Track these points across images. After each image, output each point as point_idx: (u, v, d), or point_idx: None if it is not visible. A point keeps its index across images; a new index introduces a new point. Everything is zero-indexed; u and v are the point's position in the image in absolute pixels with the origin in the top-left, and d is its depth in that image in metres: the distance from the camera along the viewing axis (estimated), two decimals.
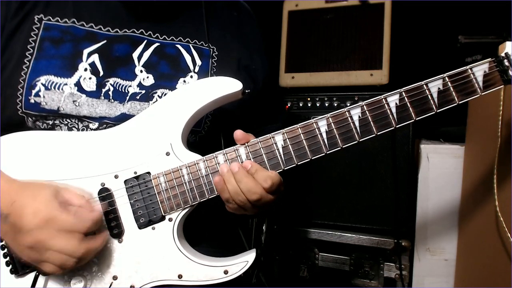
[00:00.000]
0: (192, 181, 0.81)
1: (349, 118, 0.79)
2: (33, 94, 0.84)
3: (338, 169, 1.54)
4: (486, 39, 1.49)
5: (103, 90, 0.88)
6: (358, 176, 1.51)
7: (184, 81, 0.94)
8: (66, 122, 0.87)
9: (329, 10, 1.65)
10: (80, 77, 0.87)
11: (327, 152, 0.80)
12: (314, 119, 0.80)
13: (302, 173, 1.53)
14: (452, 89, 0.78)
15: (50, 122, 0.87)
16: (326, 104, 1.60)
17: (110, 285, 0.79)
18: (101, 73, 0.89)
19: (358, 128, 0.79)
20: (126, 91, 0.90)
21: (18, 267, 0.78)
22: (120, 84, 0.90)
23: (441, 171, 1.42)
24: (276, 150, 0.80)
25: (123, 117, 0.87)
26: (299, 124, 0.81)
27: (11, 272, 0.78)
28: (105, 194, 0.81)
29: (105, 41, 0.90)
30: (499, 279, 1.05)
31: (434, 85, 0.78)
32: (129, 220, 0.81)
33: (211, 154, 0.82)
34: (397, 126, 0.79)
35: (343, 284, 1.54)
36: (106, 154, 0.83)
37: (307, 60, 1.68)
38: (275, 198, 0.80)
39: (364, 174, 1.51)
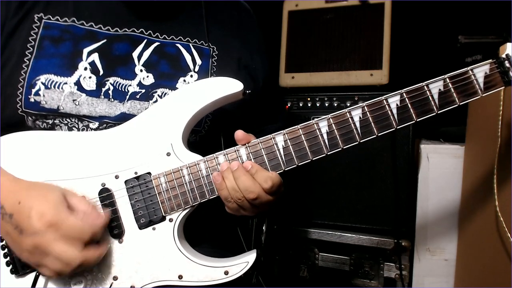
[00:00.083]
0: (192, 181, 0.81)
1: (350, 119, 0.79)
2: (33, 93, 0.84)
3: (338, 169, 1.54)
4: (486, 39, 1.50)
5: (103, 89, 0.88)
6: (358, 176, 1.51)
7: (184, 81, 0.93)
8: (66, 122, 0.87)
9: (329, 10, 1.65)
10: (80, 76, 0.87)
11: (328, 153, 0.80)
12: (315, 119, 0.80)
13: (302, 173, 1.52)
14: (453, 90, 0.78)
15: (50, 122, 0.87)
16: (326, 104, 1.60)
17: (111, 285, 0.79)
18: (101, 72, 0.88)
19: (359, 129, 0.79)
20: (126, 90, 0.90)
21: (19, 267, 0.77)
22: (120, 83, 0.90)
23: (441, 171, 1.42)
24: (277, 151, 0.80)
25: (123, 117, 0.87)
26: (300, 124, 0.80)
27: (12, 272, 0.78)
28: (106, 195, 0.80)
29: (105, 40, 0.90)
30: (499, 279, 1.05)
31: (435, 86, 0.78)
32: (130, 220, 0.81)
33: (212, 155, 0.82)
34: (398, 127, 0.79)
35: (343, 284, 1.54)
36: (106, 154, 0.82)
37: (307, 60, 1.67)
38: (275, 199, 0.80)
39: (364, 174, 1.51)
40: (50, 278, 0.77)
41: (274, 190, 0.78)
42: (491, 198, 1.03)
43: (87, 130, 0.88)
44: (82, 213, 0.72)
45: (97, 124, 0.88)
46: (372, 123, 0.79)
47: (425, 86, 0.79)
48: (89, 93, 0.87)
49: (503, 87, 0.78)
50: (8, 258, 0.78)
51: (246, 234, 1.29)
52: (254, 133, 0.83)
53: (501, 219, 1.00)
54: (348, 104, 1.55)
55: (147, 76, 0.91)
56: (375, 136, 0.79)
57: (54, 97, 0.85)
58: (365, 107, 0.79)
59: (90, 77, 0.87)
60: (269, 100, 1.11)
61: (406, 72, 1.62)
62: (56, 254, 0.68)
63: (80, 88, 0.86)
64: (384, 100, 0.79)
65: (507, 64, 0.77)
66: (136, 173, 0.82)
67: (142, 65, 0.92)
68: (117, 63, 0.90)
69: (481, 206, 1.19)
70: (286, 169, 0.80)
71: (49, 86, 0.84)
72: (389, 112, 0.79)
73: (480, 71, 0.78)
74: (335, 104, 1.58)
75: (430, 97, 0.78)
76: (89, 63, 0.88)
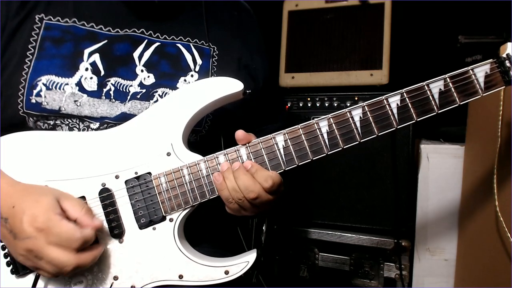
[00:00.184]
0: (193, 181, 0.81)
1: (350, 118, 0.79)
2: (34, 94, 0.84)
3: (338, 169, 1.54)
4: (486, 39, 1.50)
5: (104, 90, 0.88)
6: (358, 176, 1.51)
7: (185, 80, 0.94)
8: (67, 122, 0.87)
9: (329, 10, 1.65)
10: (81, 76, 0.87)
11: (328, 153, 0.80)
12: (315, 119, 0.80)
13: (302, 173, 1.52)
14: (453, 90, 0.78)
15: (51, 122, 0.87)
16: (326, 104, 1.60)
17: (111, 285, 0.79)
18: (102, 72, 0.89)
19: (359, 128, 0.79)
20: (127, 91, 0.90)
21: (19, 268, 0.77)
22: (121, 84, 0.90)
23: (441, 171, 1.42)
24: (277, 151, 0.80)
25: (124, 117, 0.87)
26: (300, 124, 0.80)
27: (12, 272, 0.78)
28: (106, 195, 0.80)
29: (105, 40, 0.90)
30: (499, 279, 1.05)
31: (435, 86, 0.78)
32: (130, 220, 0.81)
33: (212, 155, 0.82)
34: (398, 127, 0.79)
35: (343, 284, 1.54)
36: (107, 154, 0.82)
37: (307, 60, 1.67)
38: (275, 198, 0.80)
39: (364, 174, 1.51)
40: (50, 278, 0.77)
41: (275, 189, 0.78)
42: (491, 198, 1.03)
43: (87, 130, 0.88)
44: (74, 218, 0.71)
45: (97, 124, 0.88)
46: (373, 123, 0.79)
47: (425, 86, 0.79)
48: (91, 93, 0.87)
49: (504, 87, 0.78)
50: (8, 258, 0.78)
51: (246, 234, 1.29)
52: (254, 132, 0.83)
53: (501, 219, 1.00)
54: (348, 104, 1.55)
55: (148, 76, 0.92)
56: (375, 135, 0.79)
57: (56, 98, 0.85)
58: (366, 106, 0.79)
59: (91, 78, 0.88)
60: (269, 100, 1.12)
61: (406, 72, 1.63)
62: (49, 258, 0.68)
63: (81, 88, 0.86)
64: (384, 100, 0.79)
65: (507, 63, 0.77)
66: (136, 173, 0.82)
67: (143, 65, 0.92)
68: (118, 63, 0.90)
69: (481, 206, 1.19)
70: (286, 169, 0.80)
71: (50, 87, 0.84)
72: (390, 111, 0.79)
73: (480, 71, 0.78)
74: (335, 104, 1.58)
75: (430, 96, 0.78)
76: (90, 64, 0.88)
